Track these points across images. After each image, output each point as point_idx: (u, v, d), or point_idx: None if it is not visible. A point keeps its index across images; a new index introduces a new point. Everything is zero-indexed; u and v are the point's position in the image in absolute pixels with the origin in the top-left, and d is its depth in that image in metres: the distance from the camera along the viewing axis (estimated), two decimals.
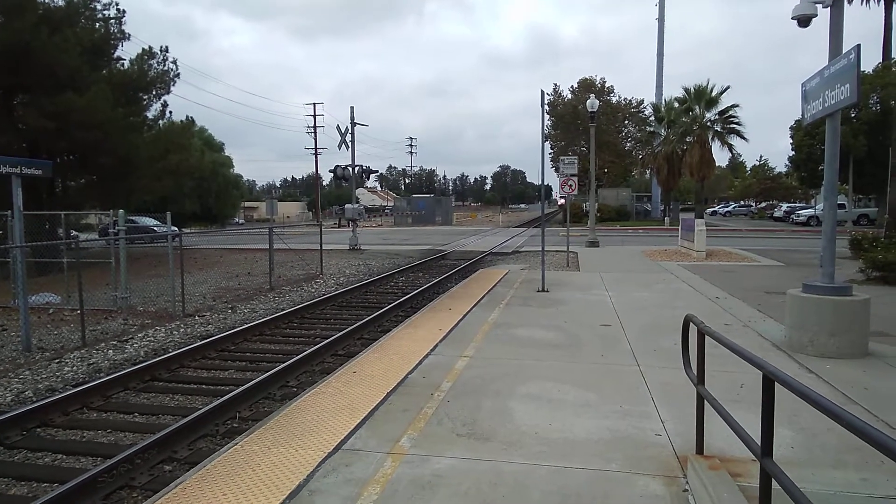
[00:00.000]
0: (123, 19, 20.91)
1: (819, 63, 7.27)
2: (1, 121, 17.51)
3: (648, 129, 48.36)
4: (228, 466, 4.24)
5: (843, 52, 6.63)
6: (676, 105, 41.98)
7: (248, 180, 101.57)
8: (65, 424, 6.28)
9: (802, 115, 7.79)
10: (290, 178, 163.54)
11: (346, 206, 28.39)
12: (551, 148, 60.46)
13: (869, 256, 13.19)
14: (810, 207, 47.98)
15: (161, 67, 21.38)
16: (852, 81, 6.30)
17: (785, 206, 56.32)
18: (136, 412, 6.67)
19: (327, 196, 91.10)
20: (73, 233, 20.94)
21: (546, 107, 12.91)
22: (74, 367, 8.31)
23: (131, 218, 22.49)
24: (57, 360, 8.61)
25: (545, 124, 13.04)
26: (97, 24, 20.40)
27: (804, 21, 7.85)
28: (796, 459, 4.17)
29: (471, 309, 10.22)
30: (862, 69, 6.45)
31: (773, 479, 2.62)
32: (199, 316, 11.90)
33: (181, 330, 10.70)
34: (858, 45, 6.20)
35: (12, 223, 10.16)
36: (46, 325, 11.04)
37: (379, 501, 3.72)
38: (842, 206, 35.70)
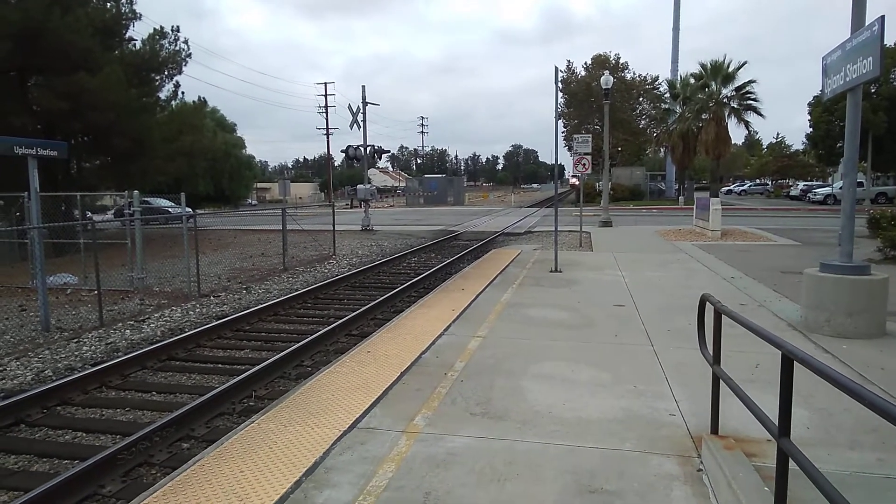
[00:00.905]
0: None
1: (839, 37, 7.10)
2: (16, 102, 17.59)
3: (663, 106, 47.75)
4: (245, 444, 4.29)
5: (866, 23, 6.46)
6: (692, 81, 41.34)
7: (260, 161, 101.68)
8: (84, 403, 6.39)
9: (823, 89, 7.62)
10: (302, 159, 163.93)
11: (359, 186, 28.39)
12: (564, 126, 59.90)
13: (887, 235, 13.00)
14: (827, 186, 47.29)
15: (173, 47, 21.32)
16: (875, 54, 6.15)
17: (801, 185, 55.54)
18: (153, 391, 6.76)
19: (339, 177, 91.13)
20: (88, 214, 21.14)
21: (559, 84, 12.75)
22: (93, 347, 8.43)
23: (146, 199, 22.64)
24: (75, 340, 8.74)
25: (558, 102, 12.90)
26: (108, 4, 20.33)
27: None
28: (812, 440, 4.14)
29: (483, 289, 10.22)
30: (885, 43, 6.28)
31: (789, 459, 2.60)
32: (214, 296, 12.00)
33: (197, 310, 10.81)
34: (882, 17, 6.03)
35: (29, 204, 10.26)
36: (64, 305, 11.19)
37: (394, 479, 3.75)
38: (860, 184, 35.17)
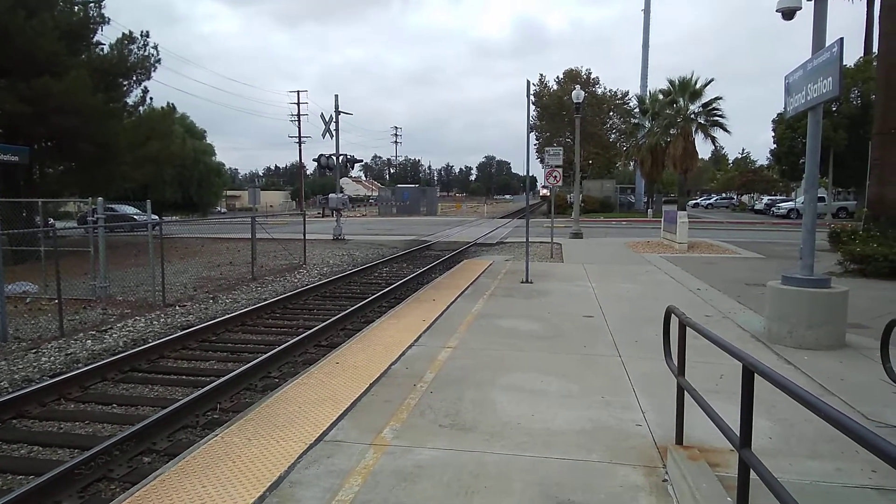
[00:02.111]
0: (103, 3, 20.48)
1: (802, 56, 7.33)
2: None
3: (633, 121, 48.58)
4: (208, 458, 4.20)
5: (826, 45, 6.67)
6: (661, 97, 42.14)
7: (230, 168, 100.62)
8: (41, 416, 6.19)
9: (785, 107, 7.84)
10: (273, 167, 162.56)
11: (331, 195, 28.19)
12: (537, 139, 60.55)
13: (847, 249, 13.38)
14: (790, 200, 48.58)
15: (142, 53, 20.97)
16: (835, 75, 6.35)
17: (766, 199, 56.97)
18: (114, 403, 6.59)
19: (311, 185, 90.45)
20: (51, 220, 20.60)
21: (532, 97, 12.89)
22: (52, 358, 8.19)
23: (111, 206, 22.15)
24: (34, 350, 8.47)
25: (531, 115, 13.04)
26: (76, 8, 19.94)
27: (788, 14, 7.91)
28: (774, 450, 4.22)
29: (455, 300, 10.22)
30: (844, 63, 6.50)
31: (751, 470, 2.65)
32: (179, 306, 11.77)
33: (161, 320, 10.59)
34: (841, 39, 6.24)
35: None
36: (23, 314, 10.85)
37: (360, 493, 3.70)
38: (821, 199, 36.14)
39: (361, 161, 33.12)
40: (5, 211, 11.34)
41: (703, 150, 64.92)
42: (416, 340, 7.44)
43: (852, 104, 35.72)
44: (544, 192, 60.58)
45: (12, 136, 17.41)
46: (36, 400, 6.40)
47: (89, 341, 9.05)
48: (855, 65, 35.51)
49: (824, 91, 6.59)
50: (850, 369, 6.20)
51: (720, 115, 40.26)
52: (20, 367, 7.78)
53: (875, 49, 30.74)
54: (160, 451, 5.29)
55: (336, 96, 27.31)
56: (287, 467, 4.04)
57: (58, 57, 17.15)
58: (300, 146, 60.38)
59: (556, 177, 17.06)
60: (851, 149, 34.03)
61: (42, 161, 20.12)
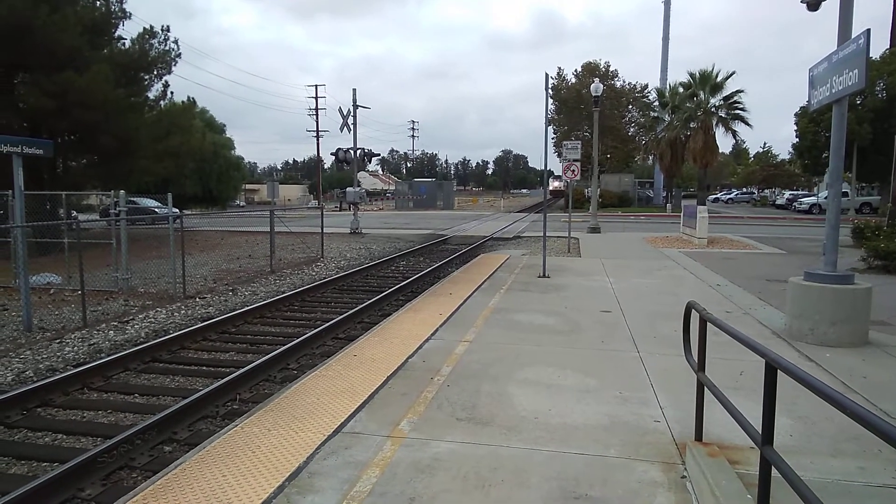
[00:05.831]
0: None
1: (826, 49, 7.20)
2: (1, 100, 17.40)
3: (652, 114, 47.98)
4: (228, 448, 4.25)
5: (852, 36, 6.54)
6: (681, 90, 41.62)
7: (249, 162, 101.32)
8: (65, 404, 6.30)
9: (809, 100, 7.71)
10: (291, 161, 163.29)
11: (348, 189, 28.31)
12: (554, 133, 60.20)
13: (871, 245, 13.15)
14: (812, 195, 47.81)
15: (162, 47, 21.21)
16: (860, 67, 6.22)
17: (787, 194, 56.13)
18: (136, 393, 6.69)
19: (329, 179, 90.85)
20: (74, 213, 20.92)
21: (550, 91, 12.81)
22: (75, 348, 8.33)
23: (132, 199, 22.46)
24: (58, 341, 8.63)
25: (548, 108, 12.96)
26: (98, 3, 20.21)
27: (814, 5, 7.78)
28: (795, 448, 4.17)
29: (472, 294, 10.22)
30: (870, 55, 6.37)
31: (772, 467, 2.62)
32: (199, 298, 11.91)
33: (182, 311, 10.72)
34: (868, 30, 6.11)
35: (13, 203, 10.14)
36: (47, 305, 11.05)
37: (378, 484, 3.73)
38: (844, 195, 35.55)
39: (378, 155, 33.24)
40: (30, 203, 11.53)
41: (724, 143, 63.88)
42: (433, 334, 7.46)
43: (878, 97, 35.00)
44: (555, 184, 60.21)
45: (35, 130, 17.73)
46: (60, 389, 6.51)
47: (112, 332, 9.19)
48: (881, 56, 34.75)
49: (850, 84, 6.46)
50: (874, 367, 6.10)
51: (741, 109, 39.66)
52: (44, 356, 7.93)
53: None
54: (181, 441, 5.36)
55: (353, 90, 27.43)
56: (306, 458, 4.08)
57: (80, 52, 17.41)
58: (318, 140, 60.79)
59: (573, 171, 16.97)
60: (876, 143, 33.37)
61: (65, 154, 20.46)
